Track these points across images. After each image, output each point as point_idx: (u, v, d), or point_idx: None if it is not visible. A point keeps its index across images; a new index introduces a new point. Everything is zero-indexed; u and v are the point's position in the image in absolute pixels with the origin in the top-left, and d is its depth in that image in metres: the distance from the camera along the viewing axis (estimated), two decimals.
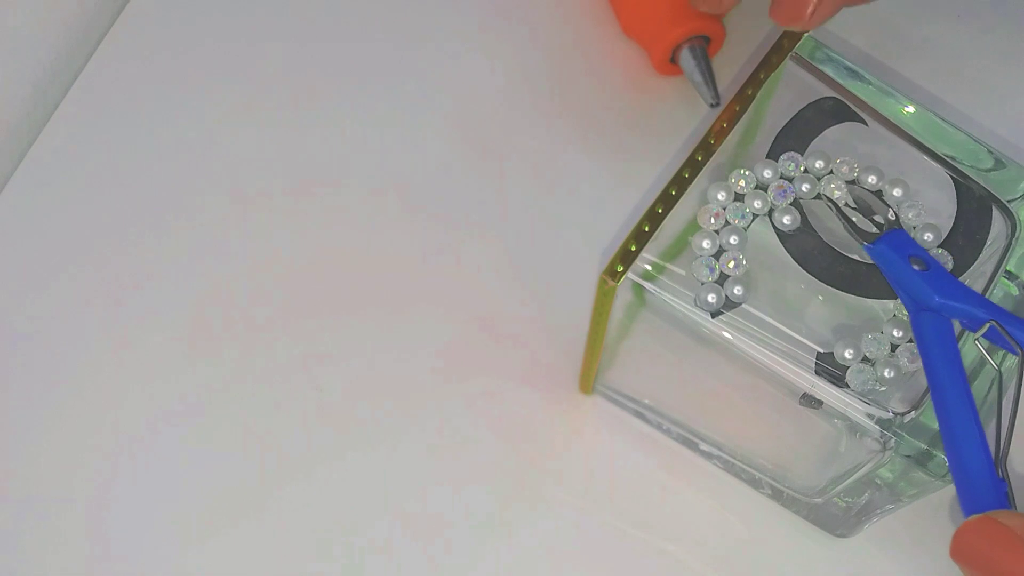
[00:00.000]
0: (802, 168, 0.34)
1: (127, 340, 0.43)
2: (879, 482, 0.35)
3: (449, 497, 0.41)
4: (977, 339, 0.31)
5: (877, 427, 0.32)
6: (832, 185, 0.34)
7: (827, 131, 0.35)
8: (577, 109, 0.46)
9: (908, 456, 0.32)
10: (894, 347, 0.32)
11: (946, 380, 0.30)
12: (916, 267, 0.32)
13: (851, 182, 0.35)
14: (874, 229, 0.34)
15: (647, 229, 0.32)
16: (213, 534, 0.40)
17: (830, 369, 0.32)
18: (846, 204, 0.34)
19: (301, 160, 0.45)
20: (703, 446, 0.41)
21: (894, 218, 0.34)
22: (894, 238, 0.33)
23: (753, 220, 0.34)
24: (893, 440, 0.31)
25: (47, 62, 0.47)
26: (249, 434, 0.41)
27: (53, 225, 0.44)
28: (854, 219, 0.34)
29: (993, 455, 0.29)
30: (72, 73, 0.47)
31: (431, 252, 0.44)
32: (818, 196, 0.34)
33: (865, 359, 0.32)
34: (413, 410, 0.42)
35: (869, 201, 0.34)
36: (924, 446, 0.31)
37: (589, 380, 0.41)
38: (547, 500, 0.41)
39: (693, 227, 0.34)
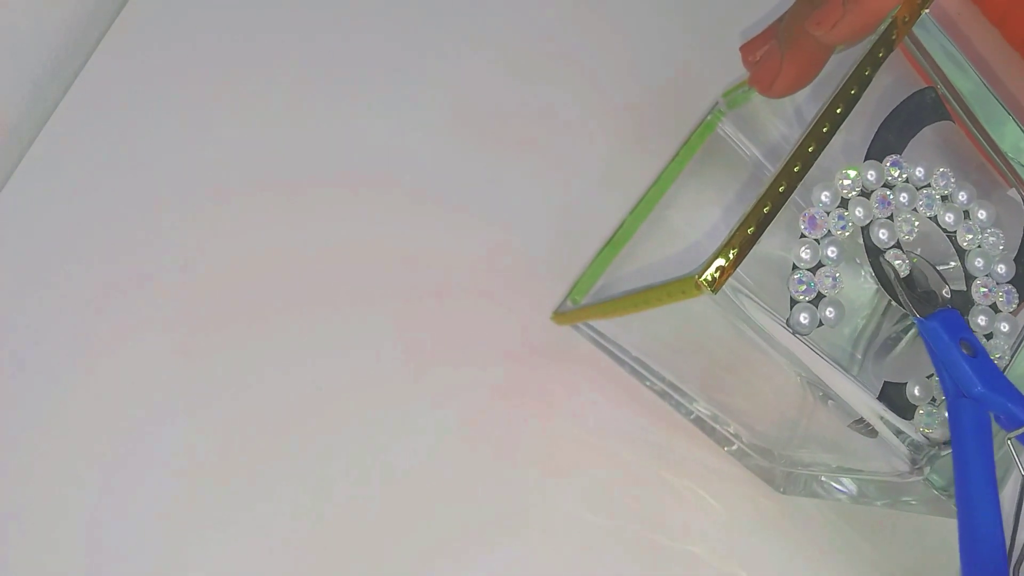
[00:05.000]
0: (903, 176, 0.32)
1: (126, 338, 0.43)
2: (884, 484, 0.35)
3: (449, 498, 0.41)
4: (1010, 439, 0.30)
5: (907, 450, 0.31)
6: (919, 204, 0.31)
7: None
8: (580, 98, 0.46)
9: (930, 485, 0.31)
10: None
11: (974, 473, 0.29)
12: (965, 351, 0.31)
13: (944, 197, 0.32)
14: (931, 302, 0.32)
15: (751, 232, 0.27)
16: (206, 534, 0.41)
17: (895, 400, 0.31)
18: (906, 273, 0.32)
19: (301, 157, 0.46)
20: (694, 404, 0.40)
21: (949, 296, 0.32)
22: (948, 318, 0.31)
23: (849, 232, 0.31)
24: (927, 468, 0.31)
25: (47, 61, 0.47)
26: (248, 433, 0.41)
27: (53, 224, 0.44)
28: (908, 291, 0.32)
29: (1009, 559, 0.28)
30: (72, 72, 0.47)
31: (434, 244, 0.45)
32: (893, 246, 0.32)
33: (933, 400, 0.31)
34: (415, 397, 0.43)
35: (928, 274, 0.32)
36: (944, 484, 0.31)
37: (575, 319, 0.40)
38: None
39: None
